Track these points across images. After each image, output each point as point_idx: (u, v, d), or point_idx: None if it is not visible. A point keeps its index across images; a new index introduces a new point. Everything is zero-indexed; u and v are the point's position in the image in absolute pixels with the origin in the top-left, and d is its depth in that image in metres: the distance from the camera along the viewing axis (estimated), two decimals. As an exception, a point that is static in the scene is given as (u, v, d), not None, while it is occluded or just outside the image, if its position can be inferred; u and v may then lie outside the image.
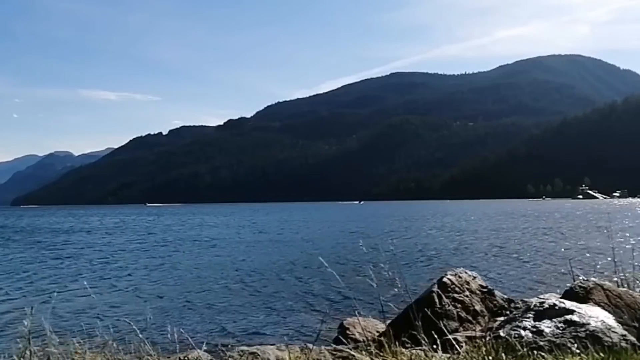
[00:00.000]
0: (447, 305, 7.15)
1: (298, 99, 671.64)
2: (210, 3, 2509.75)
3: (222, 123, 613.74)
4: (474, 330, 6.73)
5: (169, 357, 6.71)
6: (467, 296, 7.48)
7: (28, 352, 5.27)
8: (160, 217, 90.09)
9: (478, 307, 7.40)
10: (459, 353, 5.02)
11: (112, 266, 22.30)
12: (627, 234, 28.51)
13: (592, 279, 6.58)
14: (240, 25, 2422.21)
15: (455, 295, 7.41)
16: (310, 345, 6.04)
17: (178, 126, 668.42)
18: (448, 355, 5.10)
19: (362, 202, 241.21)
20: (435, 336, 5.23)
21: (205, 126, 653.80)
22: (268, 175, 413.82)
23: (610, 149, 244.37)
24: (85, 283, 14.82)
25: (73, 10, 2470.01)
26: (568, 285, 6.89)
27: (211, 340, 9.03)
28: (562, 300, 5.64)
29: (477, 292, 7.75)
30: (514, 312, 5.99)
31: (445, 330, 5.99)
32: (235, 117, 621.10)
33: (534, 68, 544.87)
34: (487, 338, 5.11)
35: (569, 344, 4.66)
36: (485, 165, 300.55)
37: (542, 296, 5.90)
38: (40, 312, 6.38)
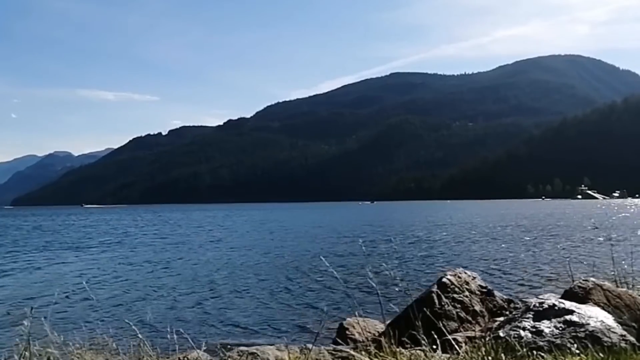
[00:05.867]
0: (446, 306, 7.15)
1: (297, 99, 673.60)
2: (210, 3, 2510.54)
3: (221, 123, 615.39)
4: (474, 330, 6.74)
5: (168, 357, 6.71)
6: (466, 296, 7.48)
7: (28, 353, 5.27)
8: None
9: (477, 308, 7.41)
10: (458, 353, 5.02)
11: (110, 266, 22.28)
12: (626, 235, 28.53)
13: (592, 279, 6.58)
14: (239, 25, 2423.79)
15: (455, 295, 7.42)
16: (309, 346, 6.04)
17: (178, 126, 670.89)
18: (448, 355, 5.10)
19: (374, 202, 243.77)
20: (435, 336, 5.23)
21: (204, 126, 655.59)
22: (268, 175, 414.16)
23: (609, 149, 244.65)
24: (84, 283, 14.85)
25: (71, 10, 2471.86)
26: (567, 285, 6.90)
27: (210, 340, 9.03)
28: (562, 300, 5.64)
29: (477, 292, 7.75)
30: (514, 313, 6.00)
31: (445, 331, 5.99)
32: (235, 117, 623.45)
33: (534, 68, 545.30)
34: (487, 338, 5.11)
35: (568, 344, 4.66)
36: (485, 165, 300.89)
37: (541, 296, 5.89)
38: (41, 312, 6.38)
